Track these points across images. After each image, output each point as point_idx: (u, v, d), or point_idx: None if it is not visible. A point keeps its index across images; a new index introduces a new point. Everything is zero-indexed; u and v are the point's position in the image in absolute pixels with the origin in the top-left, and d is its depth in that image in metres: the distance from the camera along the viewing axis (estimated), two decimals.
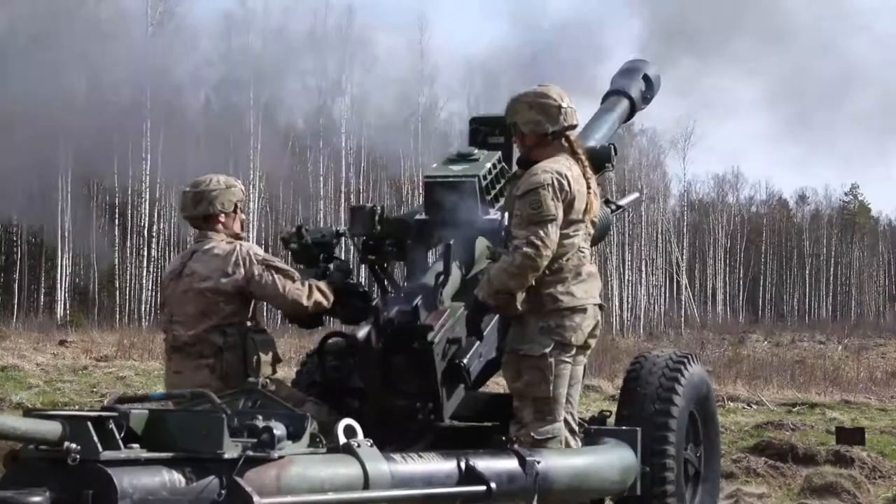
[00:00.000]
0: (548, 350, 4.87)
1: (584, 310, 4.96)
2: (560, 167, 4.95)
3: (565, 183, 4.90)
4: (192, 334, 5.08)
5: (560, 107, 5.04)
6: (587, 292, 4.99)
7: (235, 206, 5.23)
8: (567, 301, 4.91)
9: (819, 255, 71.92)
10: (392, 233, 5.64)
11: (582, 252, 5.00)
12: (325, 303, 5.18)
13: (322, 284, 5.22)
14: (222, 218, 5.20)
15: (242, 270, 5.05)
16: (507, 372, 5.00)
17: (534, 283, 4.87)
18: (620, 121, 7.29)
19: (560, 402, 4.92)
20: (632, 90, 7.32)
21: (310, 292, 5.13)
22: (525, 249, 4.79)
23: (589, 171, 5.10)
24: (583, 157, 5.10)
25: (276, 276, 5.07)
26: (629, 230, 56.17)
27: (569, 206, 4.91)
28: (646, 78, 7.41)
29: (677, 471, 5.61)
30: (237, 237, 5.26)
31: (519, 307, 4.87)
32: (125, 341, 22.90)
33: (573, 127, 5.14)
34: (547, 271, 4.87)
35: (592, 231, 5.17)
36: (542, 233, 4.79)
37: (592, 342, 5.10)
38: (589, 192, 5.03)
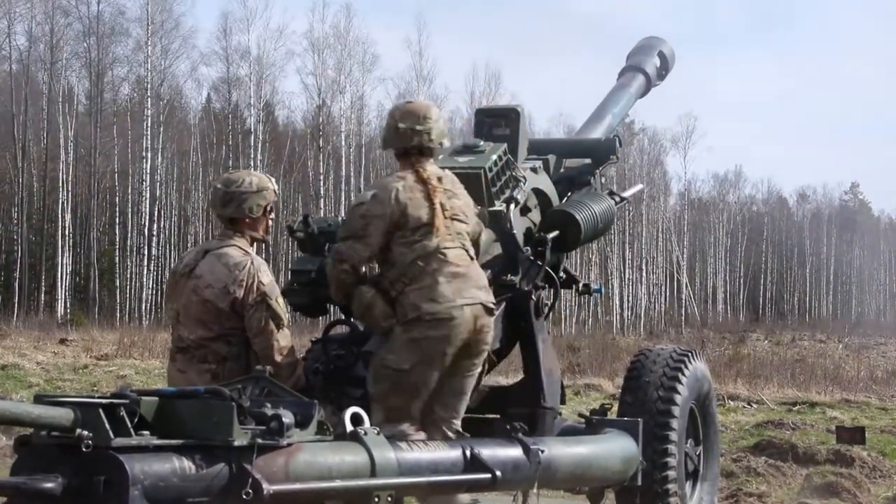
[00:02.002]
0: (409, 366, 4.75)
1: (450, 318, 4.76)
2: (389, 181, 4.98)
3: (389, 196, 4.86)
4: (195, 339, 5.02)
5: (397, 127, 5.03)
6: (456, 292, 4.80)
7: (265, 209, 5.12)
8: (428, 308, 4.75)
9: (819, 253, 71.95)
10: None
11: (443, 254, 4.85)
12: (292, 377, 5.03)
13: (300, 368, 5.16)
14: (248, 221, 5.10)
15: (241, 293, 4.95)
16: (369, 375, 4.93)
17: (395, 294, 4.82)
18: (637, 95, 7.39)
19: (411, 410, 4.79)
20: (647, 66, 7.43)
21: (283, 353, 5.04)
22: (327, 259, 5.07)
23: (436, 181, 4.96)
24: (423, 175, 4.96)
25: (265, 314, 4.97)
26: (630, 229, 56.16)
27: (402, 215, 4.85)
28: (661, 55, 7.51)
29: (679, 458, 5.64)
30: (261, 240, 5.19)
31: (382, 323, 4.83)
32: (125, 340, 22.92)
33: (419, 147, 5.01)
34: (406, 280, 4.82)
35: (470, 229, 5.06)
36: (342, 247, 4.91)
37: (483, 347, 4.90)
38: (434, 195, 4.90)
